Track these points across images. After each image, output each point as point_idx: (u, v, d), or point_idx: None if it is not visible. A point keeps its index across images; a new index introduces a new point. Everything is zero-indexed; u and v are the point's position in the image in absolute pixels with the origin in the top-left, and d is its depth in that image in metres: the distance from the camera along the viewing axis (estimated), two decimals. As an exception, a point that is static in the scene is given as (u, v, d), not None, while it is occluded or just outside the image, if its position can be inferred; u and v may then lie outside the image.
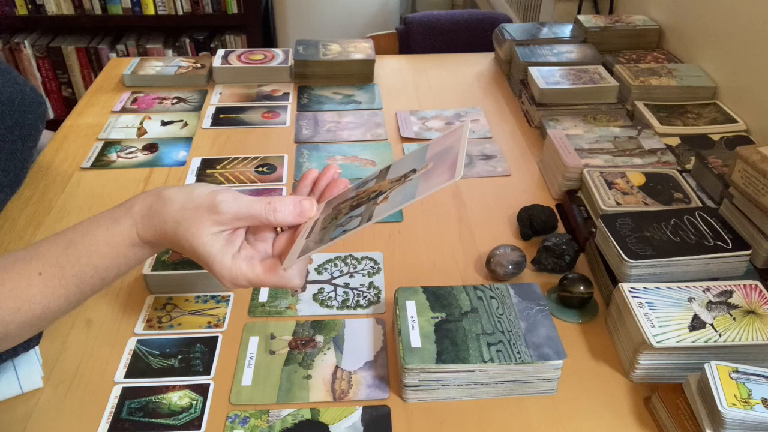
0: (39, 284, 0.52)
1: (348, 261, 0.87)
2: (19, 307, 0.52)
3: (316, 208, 0.58)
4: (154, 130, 1.18)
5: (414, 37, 1.87)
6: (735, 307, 0.71)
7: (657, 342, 0.66)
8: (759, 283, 0.74)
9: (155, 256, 0.83)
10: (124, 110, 1.24)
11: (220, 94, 1.31)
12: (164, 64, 1.38)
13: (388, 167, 0.60)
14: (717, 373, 0.61)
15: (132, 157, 1.10)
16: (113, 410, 0.67)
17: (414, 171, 0.55)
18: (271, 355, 0.73)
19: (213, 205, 0.52)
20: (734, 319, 0.69)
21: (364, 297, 0.81)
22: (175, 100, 1.28)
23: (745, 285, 0.74)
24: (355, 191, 0.59)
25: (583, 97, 1.19)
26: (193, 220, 0.52)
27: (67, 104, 2.59)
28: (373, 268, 0.86)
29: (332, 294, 0.82)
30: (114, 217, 0.54)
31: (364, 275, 0.85)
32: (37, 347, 0.69)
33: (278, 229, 0.59)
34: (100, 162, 1.08)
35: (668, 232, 0.79)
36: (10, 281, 0.52)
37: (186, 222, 0.53)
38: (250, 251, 0.55)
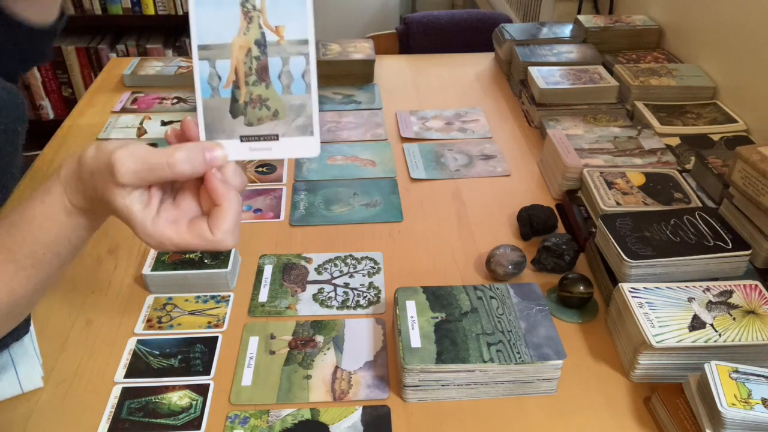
0: None
1: (348, 261, 0.87)
2: None
3: (225, 152, 0.48)
4: (154, 130, 1.18)
5: (414, 37, 1.86)
6: (735, 307, 0.71)
7: (657, 342, 0.66)
8: (759, 283, 0.74)
9: (156, 255, 0.83)
10: (124, 110, 1.24)
11: (220, 94, 1.31)
12: (164, 64, 1.38)
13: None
14: (717, 373, 0.61)
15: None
16: (113, 410, 0.67)
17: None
18: (271, 355, 0.73)
19: (110, 164, 0.46)
20: (734, 319, 0.69)
21: (364, 297, 0.81)
22: (175, 100, 1.28)
23: (745, 285, 0.74)
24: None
25: (583, 97, 1.19)
26: (102, 184, 0.48)
27: (67, 104, 2.59)
28: (373, 268, 0.86)
29: (332, 294, 0.82)
30: (46, 187, 0.51)
31: (364, 275, 0.85)
32: (36, 347, 0.69)
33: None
34: (100, 162, 1.08)
35: (668, 232, 0.79)
36: None
37: (100, 188, 0.48)
38: (173, 213, 0.48)
